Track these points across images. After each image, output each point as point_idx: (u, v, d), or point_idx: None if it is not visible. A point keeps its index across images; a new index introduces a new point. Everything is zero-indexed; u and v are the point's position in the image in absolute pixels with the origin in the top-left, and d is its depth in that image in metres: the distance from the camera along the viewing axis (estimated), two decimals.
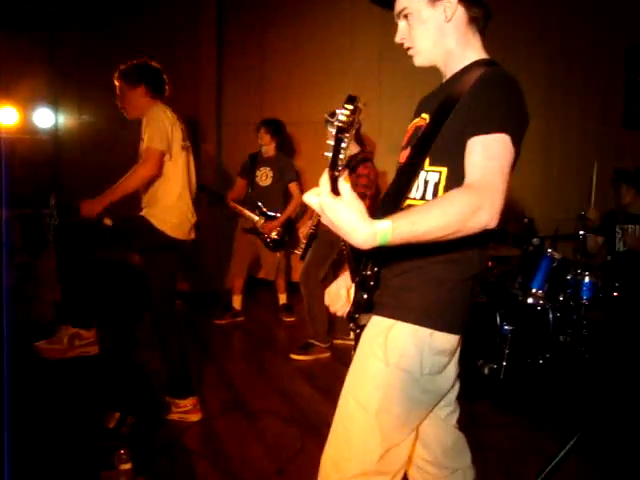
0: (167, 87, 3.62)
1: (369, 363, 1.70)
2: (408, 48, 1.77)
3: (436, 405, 1.79)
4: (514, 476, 3.09)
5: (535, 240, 4.54)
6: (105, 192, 3.29)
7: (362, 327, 1.75)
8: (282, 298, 6.33)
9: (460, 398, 1.93)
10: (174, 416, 3.56)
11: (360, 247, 1.32)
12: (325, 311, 4.80)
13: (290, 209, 5.81)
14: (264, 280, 6.47)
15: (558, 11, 6.24)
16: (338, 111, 1.28)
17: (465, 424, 1.97)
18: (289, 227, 5.89)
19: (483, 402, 3.96)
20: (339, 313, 1.87)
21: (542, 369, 4.16)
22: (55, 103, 6.80)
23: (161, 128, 3.37)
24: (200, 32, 7.24)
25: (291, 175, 5.86)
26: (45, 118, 6.61)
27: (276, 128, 5.85)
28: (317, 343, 4.94)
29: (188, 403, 3.58)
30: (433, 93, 1.80)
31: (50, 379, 3.23)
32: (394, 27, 1.80)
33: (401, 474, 1.74)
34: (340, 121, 1.27)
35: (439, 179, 1.62)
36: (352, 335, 1.80)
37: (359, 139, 4.80)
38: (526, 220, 5.16)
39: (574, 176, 6.17)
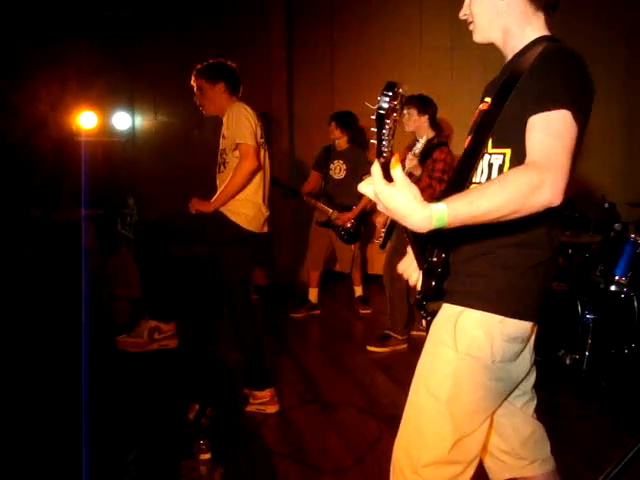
0: (241, 87, 3.70)
1: (438, 350, 1.68)
2: (470, 23, 1.76)
3: (511, 394, 1.75)
4: (595, 468, 2.96)
5: (617, 225, 4.35)
6: (217, 196, 3.50)
7: (433, 314, 1.73)
8: (358, 290, 6.32)
9: (541, 389, 1.89)
10: (252, 407, 3.61)
11: (418, 231, 1.29)
12: (406, 302, 4.80)
13: (364, 201, 5.73)
14: (340, 273, 6.49)
15: None
16: (378, 98, 1.29)
17: (546, 415, 1.92)
18: (364, 219, 5.87)
19: (565, 393, 3.86)
20: (411, 281, 1.78)
21: (627, 359, 3.99)
22: (132, 106, 7.00)
23: (247, 125, 3.46)
24: (271, 29, 7.32)
25: (364, 167, 5.81)
26: (123, 121, 6.82)
27: (345, 121, 5.81)
28: (394, 335, 4.90)
29: (266, 395, 3.63)
30: (497, 77, 1.75)
31: (131, 372, 3.33)
32: None
33: (475, 464, 1.70)
34: (381, 107, 1.28)
35: (503, 161, 1.59)
36: (424, 323, 1.79)
37: (435, 124, 4.74)
38: (607, 205, 4.97)
39: None
